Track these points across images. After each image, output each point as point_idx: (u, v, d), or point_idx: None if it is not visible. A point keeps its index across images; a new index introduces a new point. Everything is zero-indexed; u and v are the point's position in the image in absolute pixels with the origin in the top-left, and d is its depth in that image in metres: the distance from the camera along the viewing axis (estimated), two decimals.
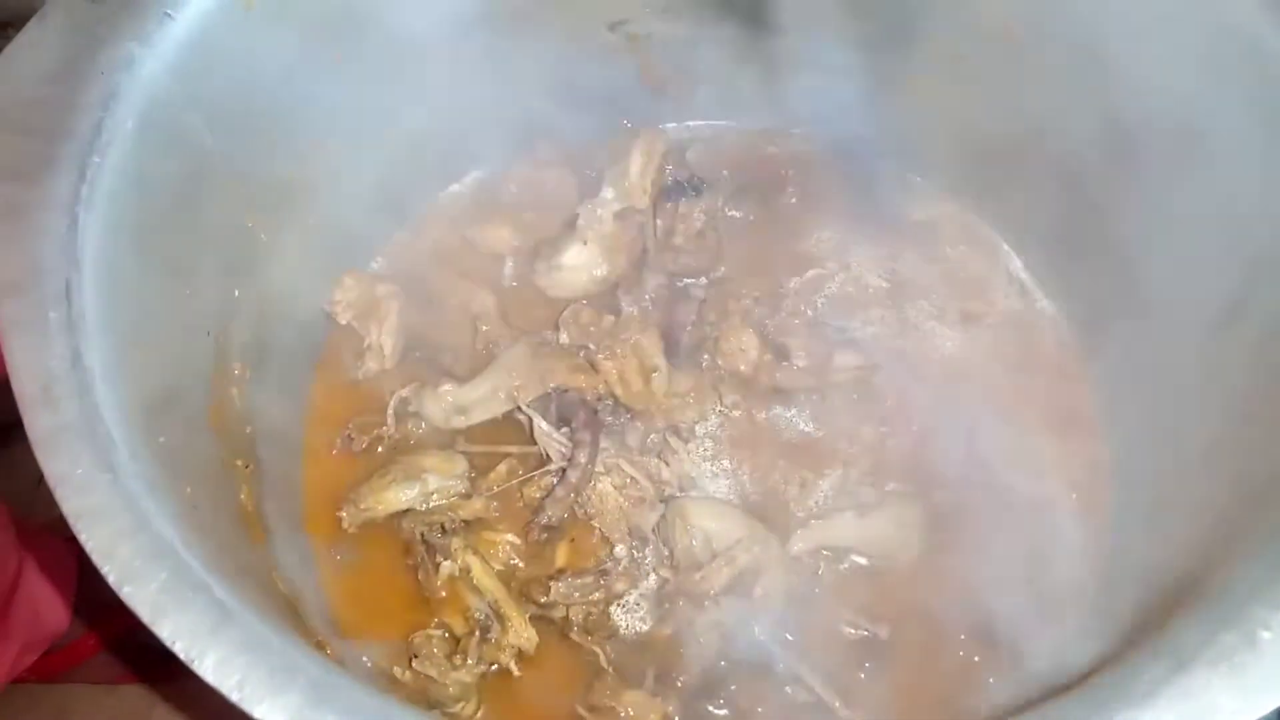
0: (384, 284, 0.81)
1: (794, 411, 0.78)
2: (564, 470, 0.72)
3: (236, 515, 0.61)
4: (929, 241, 0.86)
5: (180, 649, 0.40)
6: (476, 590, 0.69)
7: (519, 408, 0.75)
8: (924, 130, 0.86)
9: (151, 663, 0.86)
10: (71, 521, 0.43)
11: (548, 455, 0.74)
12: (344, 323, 0.80)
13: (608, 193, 0.81)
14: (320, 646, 0.56)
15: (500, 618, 0.68)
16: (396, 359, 0.80)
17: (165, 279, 0.60)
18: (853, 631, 0.69)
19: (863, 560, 0.72)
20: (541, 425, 0.74)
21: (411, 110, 0.82)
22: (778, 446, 0.77)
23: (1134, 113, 0.70)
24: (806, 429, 0.77)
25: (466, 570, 0.70)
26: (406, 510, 0.72)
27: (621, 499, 0.72)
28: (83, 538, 0.43)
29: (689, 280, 0.83)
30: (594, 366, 0.76)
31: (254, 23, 0.65)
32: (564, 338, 0.77)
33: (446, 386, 0.76)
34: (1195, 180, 0.67)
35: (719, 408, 0.78)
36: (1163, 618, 0.47)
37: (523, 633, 0.68)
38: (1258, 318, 0.62)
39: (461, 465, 0.74)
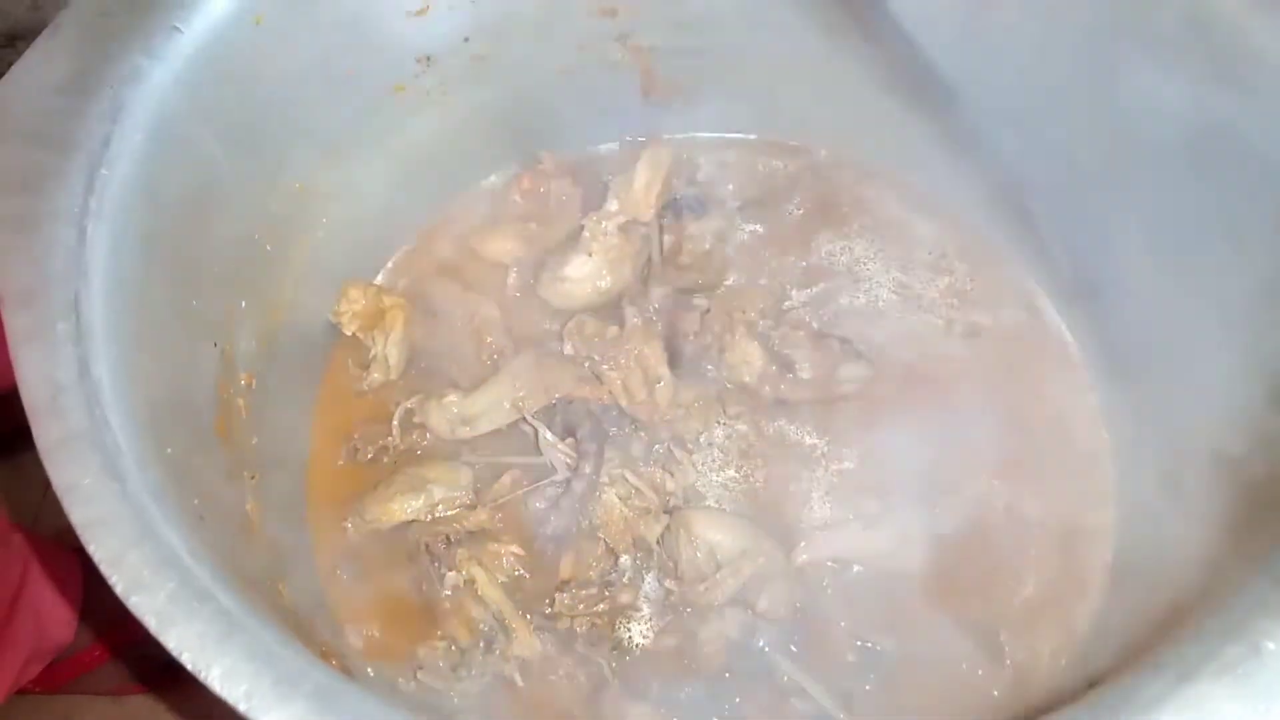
0: (389, 295, 0.81)
1: (798, 423, 0.78)
2: (569, 481, 0.72)
3: (242, 526, 0.62)
4: (936, 254, 0.86)
5: (187, 659, 0.40)
6: (481, 602, 0.69)
7: (524, 418, 0.75)
8: (929, 142, 0.86)
9: (157, 672, 0.86)
10: (79, 531, 0.43)
11: (553, 466, 0.74)
12: (349, 334, 0.80)
13: (612, 205, 0.81)
14: (325, 656, 0.56)
15: (505, 629, 0.68)
16: (401, 370, 0.80)
17: (172, 290, 0.61)
18: (857, 643, 0.69)
19: (867, 572, 0.72)
20: (547, 436, 0.74)
21: (418, 121, 0.82)
22: (783, 458, 0.76)
23: (1135, 124, 0.70)
24: (811, 441, 0.77)
25: (471, 582, 0.70)
26: (411, 521, 0.72)
27: (626, 510, 0.72)
28: (91, 547, 0.43)
29: (693, 291, 0.83)
30: (598, 377, 0.76)
31: (263, 36, 0.66)
32: (568, 349, 0.77)
33: (451, 397, 0.76)
34: (1195, 191, 0.67)
35: (723, 419, 0.78)
36: (1168, 630, 0.47)
37: (527, 644, 0.68)
38: (1261, 327, 0.62)
39: (466, 476, 0.74)
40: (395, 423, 0.77)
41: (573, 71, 0.85)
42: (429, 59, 0.79)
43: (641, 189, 0.81)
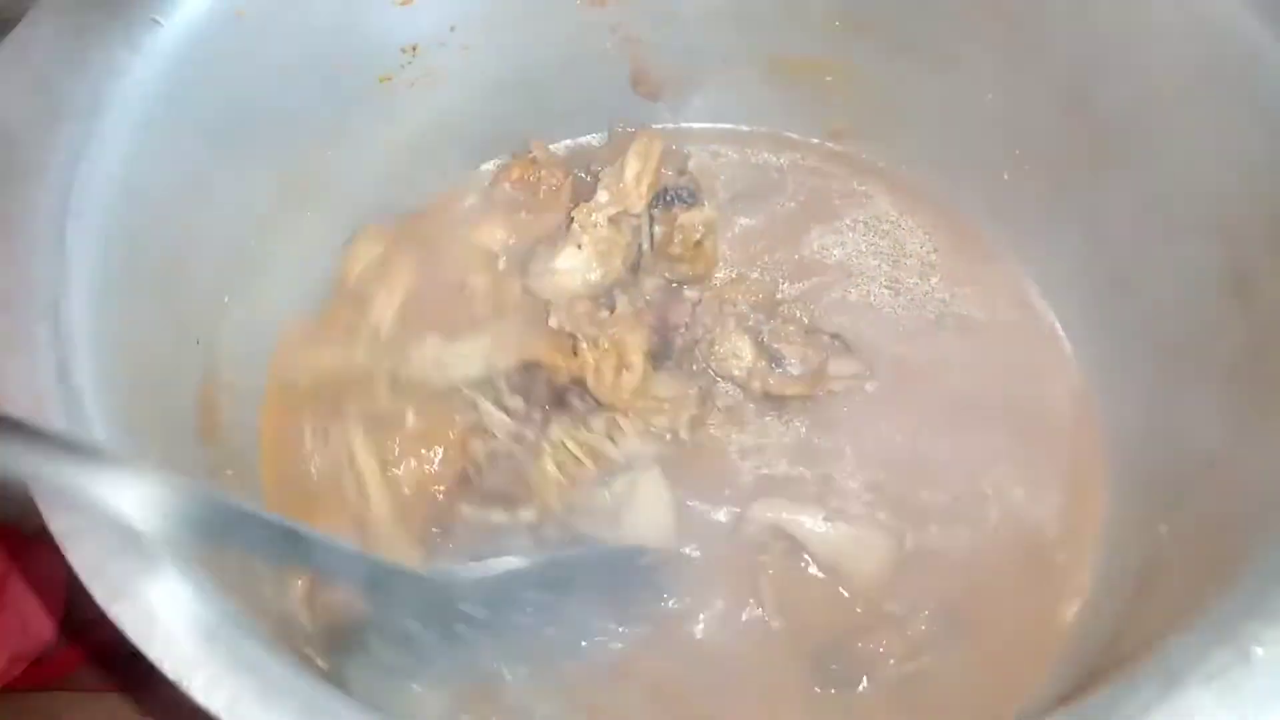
0: (401, 250, 0.81)
1: (786, 417, 0.77)
2: (509, 448, 0.73)
3: None
4: (928, 248, 0.86)
5: (169, 668, 0.40)
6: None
7: (462, 389, 0.75)
8: (920, 136, 0.86)
9: (137, 673, 0.84)
10: (59, 539, 0.43)
11: (493, 433, 0.74)
12: (353, 278, 0.79)
13: (602, 196, 0.80)
14: (309, 660, 0.56)
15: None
16: (391, 335, 0.80)
17: (155, 289, 0.60)
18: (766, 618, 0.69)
19: (814, 568, 0.71)
20: (486, 407, 0.75)
21: (404, 113, 0.81)
22: (759, 451, 0.76)
23: (1121, 117, 0.70)
24: (797, 436, 0.76)
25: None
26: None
27: (562, 477, 0.72)
28: (70, 556, 0.42)
29: (684, 283, 0.82)
30: (575, 353, 0.76)
31: (245, 30, 0.65)
32: (553, 321, 0.77)
33: (433, 340, 0.77)
34: (1183, 182, 0.67)
35: (691, 416, 0.76)
36: (1157, 633, 0.47)
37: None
38: (1252, 323, 0.62)
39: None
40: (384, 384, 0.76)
41: (562, 62, 0.84)
42: (415, 49, 0.78)
43: (632, 179, 0.80)
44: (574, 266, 0.79)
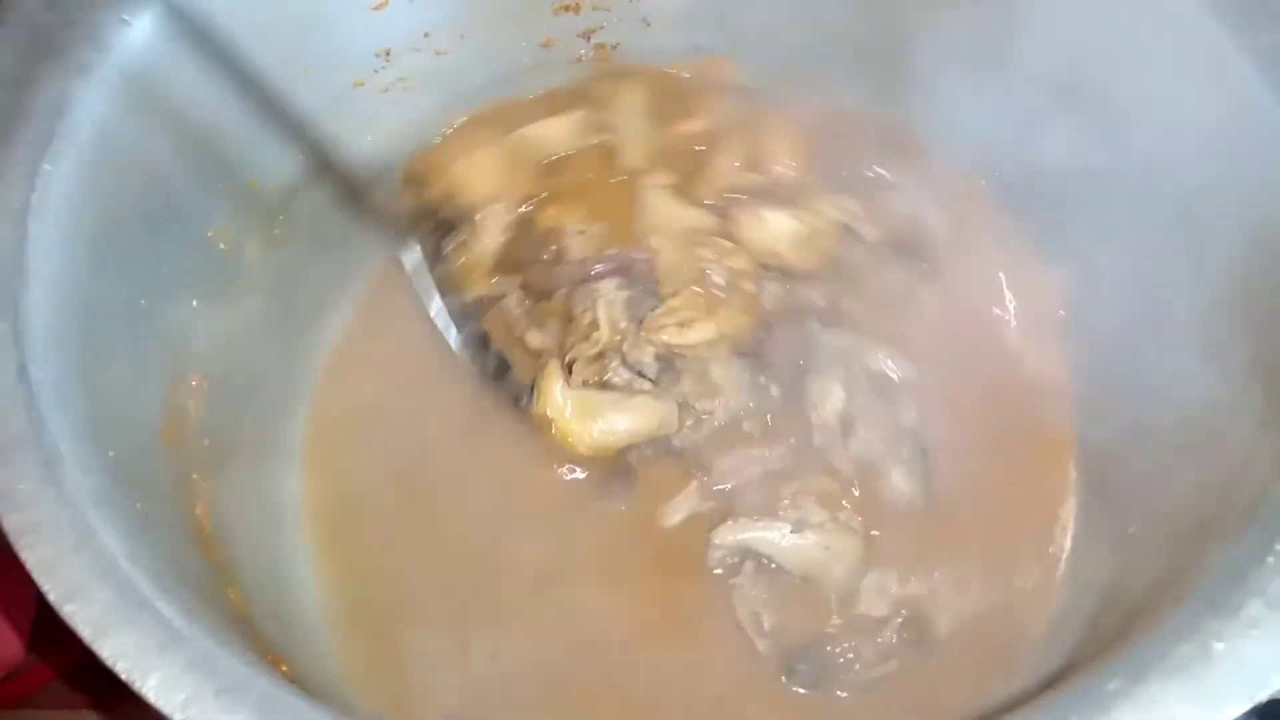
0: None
1: (805, 455, 0.74)
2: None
3: (190, 529, 0.60)
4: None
5: (122, 669, 0.39)
6: None
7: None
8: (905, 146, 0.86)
9: (109, 690, 0.82)
10: (12, 537, 0.42)
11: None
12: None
13: (855, 205, 0.79)
14: (275, 663, 0.55)
15: None
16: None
17: (119, 290, 0.59)
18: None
19: (787, 578, 0.71)
20: (583, 239, 0.81)
21: (378, 117, 0.81)
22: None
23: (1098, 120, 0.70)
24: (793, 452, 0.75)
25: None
26: None
27: (584, 334, 0.75)
28: (24, 554, 0.42)
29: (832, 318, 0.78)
30: (684, 283, 0.76)
31: (215, 32, 0.64)
32: (708, 253, 0.77)
33: (663, 175, 0.82)
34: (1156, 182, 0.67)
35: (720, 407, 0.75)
36: (1121, 633, 0.47)
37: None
38: (1233, 313, 0.62)
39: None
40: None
41: (537, 68, 0.85)
42: (388, 53, 0.78)
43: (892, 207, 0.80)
44: (776, 227, 0.78)
